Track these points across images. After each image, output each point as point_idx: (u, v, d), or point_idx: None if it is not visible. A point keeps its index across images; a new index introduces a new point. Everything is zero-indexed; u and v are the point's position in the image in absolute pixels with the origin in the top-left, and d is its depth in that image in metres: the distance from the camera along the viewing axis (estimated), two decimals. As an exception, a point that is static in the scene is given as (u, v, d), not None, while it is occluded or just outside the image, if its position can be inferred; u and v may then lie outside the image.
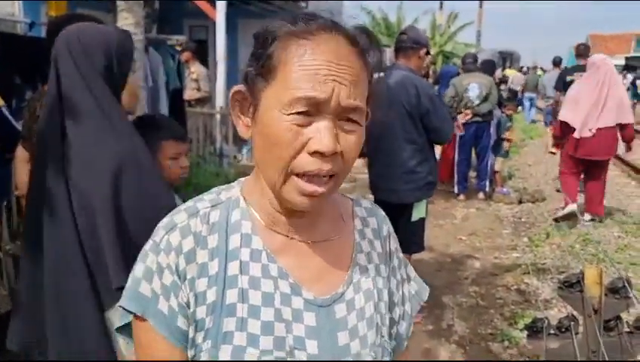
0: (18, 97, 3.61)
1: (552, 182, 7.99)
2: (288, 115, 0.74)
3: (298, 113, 0.74)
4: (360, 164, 8.58)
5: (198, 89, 7.48)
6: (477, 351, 3.36)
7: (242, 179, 0.90)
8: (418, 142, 3.35)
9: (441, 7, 26.14)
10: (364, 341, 0.84)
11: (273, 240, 0.84)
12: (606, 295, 2.15)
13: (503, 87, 9.92)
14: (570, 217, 5.28)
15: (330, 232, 0.88)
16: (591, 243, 5.22)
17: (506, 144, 7.20)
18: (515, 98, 10.23)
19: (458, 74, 7.50)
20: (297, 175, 0.76)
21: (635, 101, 16.54)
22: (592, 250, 5.07)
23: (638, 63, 23.64)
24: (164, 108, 4.95)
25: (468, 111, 6.33)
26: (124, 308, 0.82)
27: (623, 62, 24.94)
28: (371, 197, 3.85)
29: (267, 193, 0.83)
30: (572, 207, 5.30)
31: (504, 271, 4.64)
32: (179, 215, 0.83)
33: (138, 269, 0.82)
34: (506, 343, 3.44)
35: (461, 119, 6.07)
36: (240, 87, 0.83)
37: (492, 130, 6.84)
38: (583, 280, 2.17)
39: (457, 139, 6.60)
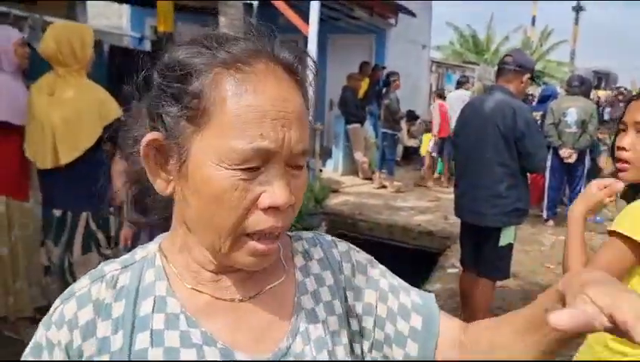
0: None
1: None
2: (232, 169, 0.61)
3: (245, 167, 0.61)
4: (444, 182, 8.48)
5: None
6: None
7: (163, 234, 0.76)
8: (510, 165, 3.22)
9: (533, 23, 25.16)
10: None
11: (195, 301, 0.69)
12: None
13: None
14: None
15: (266, 282, 0.73)
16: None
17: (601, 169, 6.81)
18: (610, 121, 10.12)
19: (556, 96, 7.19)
20: (248, 235, 0.64)
21: None
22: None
23: None
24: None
25: (571, 151, 6.24)
26: None
27: None
28: (454, 218, 3.78)
29: (194, 250, 0.70)
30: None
31: (595, 306, 4.36)
32: (81, 281, 0.70)
33: (28, 345, 0.68)
34: (597, 383, 3.24)
35: (566, 155, 6.26)
36: (156, 134, 0.65)
37: (587, 157, 6.50)
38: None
39: (550, 162, 6.33)
